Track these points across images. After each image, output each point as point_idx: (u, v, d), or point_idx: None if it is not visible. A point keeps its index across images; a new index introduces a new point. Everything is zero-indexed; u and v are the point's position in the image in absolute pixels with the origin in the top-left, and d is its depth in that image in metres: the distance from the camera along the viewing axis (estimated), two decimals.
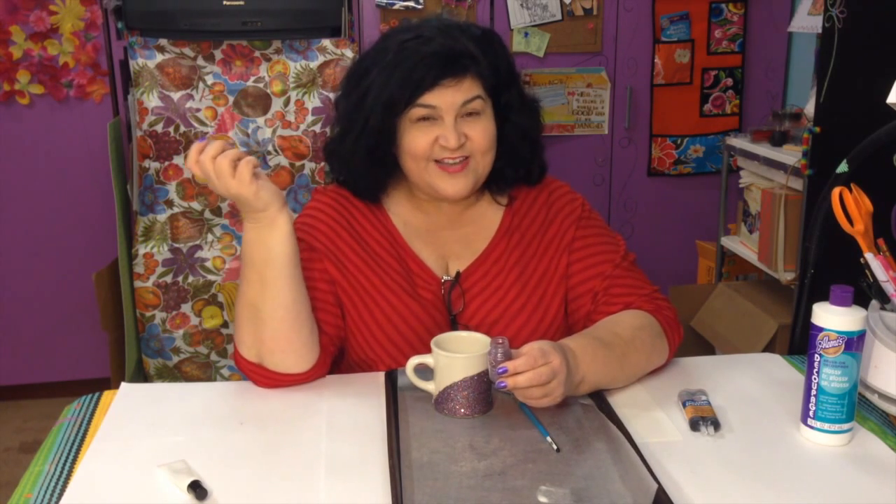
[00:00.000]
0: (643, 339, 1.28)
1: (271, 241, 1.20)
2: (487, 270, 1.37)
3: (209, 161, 1.16)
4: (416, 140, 1.28)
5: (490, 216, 1.41)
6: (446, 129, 1.27)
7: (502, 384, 1.10)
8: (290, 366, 1.25)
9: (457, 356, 1.16)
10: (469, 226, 1.40)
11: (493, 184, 1.39)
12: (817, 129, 2.31)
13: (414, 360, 1.20)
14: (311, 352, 1.26)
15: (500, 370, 1.09)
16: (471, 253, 1.39)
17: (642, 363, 1.28)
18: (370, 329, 1.33)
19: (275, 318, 1.22)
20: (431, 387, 1.19)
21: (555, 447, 1.07)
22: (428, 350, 1.19)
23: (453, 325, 1.35)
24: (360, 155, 1.33)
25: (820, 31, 2.35)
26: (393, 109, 1.27)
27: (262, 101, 2.67)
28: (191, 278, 2.72)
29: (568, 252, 1.38)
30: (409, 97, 1.25)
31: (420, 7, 3.13)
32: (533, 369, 1.09)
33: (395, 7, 3.12)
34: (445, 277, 1.37)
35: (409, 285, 1.35)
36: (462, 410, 1.16)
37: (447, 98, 1.26)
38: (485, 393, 1.17)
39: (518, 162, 1.37)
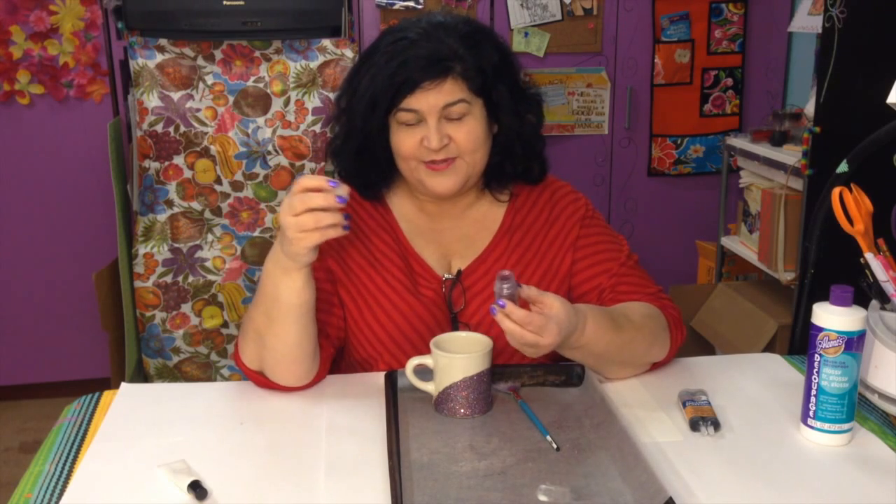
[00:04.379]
0: (651, 327, 1.29)
1: (281, 285, 1.18)
2: (489, 269, 1.37)
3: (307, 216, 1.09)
4: (403, 142, 1.29)
5: (492, 215, 1.41)
6: (429, 131, 1.27)
7: (493, 311, 1.11)
8: (289, 382, 1.26)
9: (456, 356, 1.16)
10: (471, 225, 1.40)
11: (493, 181, 1.40)
12: (817, 129, 2.31)
13: (413, 361, 1.20)
14: (311, 371, 1.26)
15: (500, 303, 1.10)
16: (472, 252, 1.39)
17: (642, 352, 1.29)
18: (371, 327, 1.33)
19: (276, 351, 1.22)
20: (431, 387, 1.19)
21: (554, 446, 1.08)
22: (428, 349, 1.20)
23: (454, 323, 1.35)
24: (350, 154, 1.35)
25: (820, 31, 2.35)
26: (375, 111, 1.28)
27: (262, 101, 2.67)
28: (191, 278, 2.73)
29: (572, 251, 1.38)
30: (390, 100, 1.26)
31: (420, 7, 3.13)
32: (521, 327, 1.09)
33: (395, 7, 3.12)
34: (447, 276, 1.37)
35: (411, 283, 1.35)
36: (462, 411, 1.16)
37: (429, 100, 1.26)
38: (485, 393, 1.17)
39: (514, 159, 1.37)
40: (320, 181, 1.11)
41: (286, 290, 1.18)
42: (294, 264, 1.16)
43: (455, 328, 1.34)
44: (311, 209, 1.10)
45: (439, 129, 1.27)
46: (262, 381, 1.26)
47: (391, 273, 1.35)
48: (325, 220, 1.10)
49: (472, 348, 1.17)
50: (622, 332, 1.23)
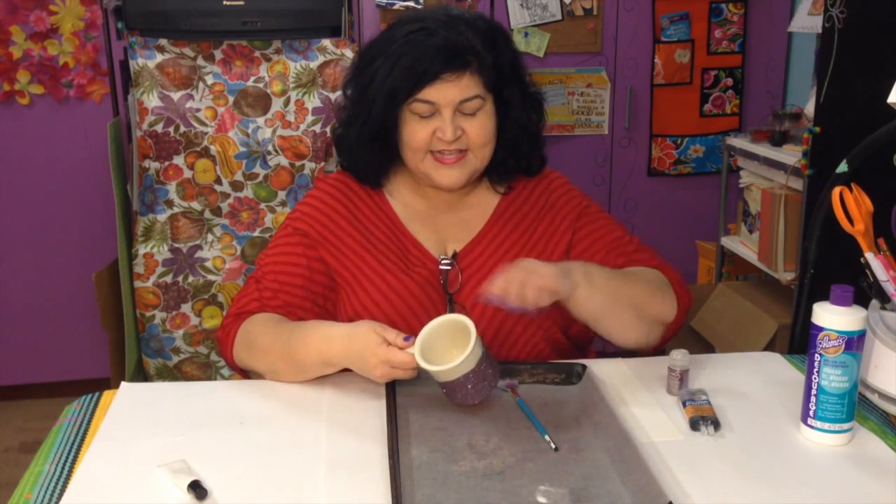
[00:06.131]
0: (644, 276, 1.33)
1: (316, 367, 1.26)
2: (483, 250, 1.39)
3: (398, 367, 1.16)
4: (416, 133, 1.30)
5: (488, 201, 1.44)
6: (444, 123, 1.29)
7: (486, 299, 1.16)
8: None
9: (444, 368, 1.12)
10: (467, 210, 1.43)
11: (493, 172, 1.41)
12: (817, 129, 2.31)
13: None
14: None
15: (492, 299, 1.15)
16: (468, 235, 1.41)
17: (645, 292, 1.30)
18: (366, 308, 1.34)
19: (284, 379, 1.29)
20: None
21: (553, 446, 1.07)
22: (423, 328, 1.17)
23: (450, 304, 1.36)
24: (364, 142, 1.36)
25: (820, 31, 2.35)
26: (394, 100, 1.29)
27: (262, 101, 2.66)
28: (191, 278, 2.72)
29: (571, 234, 1.41)
30: (409, 89, 1.27)
31: (420, 6, 3.13)
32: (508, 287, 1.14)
33: (395, 7, 3.12)
34: (442, 257, 1.37)
35: (405, 264, 1.37)
36: (471, 400, 1.15)
37: (447, 93, 1.27)
38: (488, 377, 1.14)
39: (518, 154, 1.40)
40: (408, 373, 1.16)
41: (316, 370, 1.26)
42: (340, 367, 1.24)
43: (451, 309, 1.35)
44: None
45: (454, 121, 1.29)
46: (247, 376, 1.35)
47: (385, 255, 1.36)
48: (396, 376, 1.17)
49: (458, 341, 1.14)
50: (618, 275, 1.29)
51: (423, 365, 1.13)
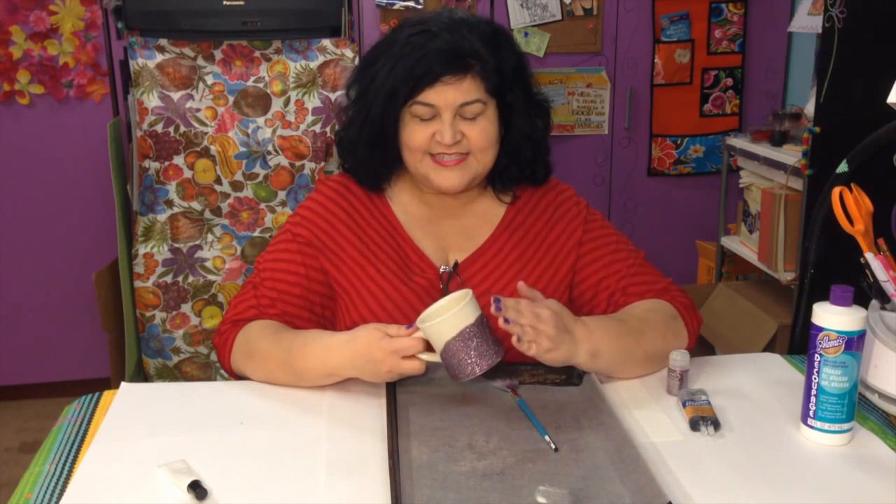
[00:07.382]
0: (656, 319, 1.30)
1: (315, 377, 1.25)
2: (487, 262, 1.38)
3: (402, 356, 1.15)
4: (415, 134, 1.29)
5: (493, 211, 1.42)
6: (443, 126, 1.28)
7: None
8: None
9: (443, 317, 1.11)
10: (471, 218, 1.41)
11: (497, 181, 1.40)
12: (817, 129, 2.31)
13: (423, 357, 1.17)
14: None
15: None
16: (471, 245, 1.40)
17: (658, 341, 1.29)
18: (364, 318, 1.33)
19: (282, 384, 1.29)
20: (437, 358, 1.15)
21: (553, 447, 1.08)
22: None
23: None
24: (363, 143, 1.35)
25: (820, 31, 2.35)
26: (393, 102, 1.28)
27: (262, 101, 2.66)
28: (191, 278, 2.72)
29: (576, 252, 1.39)
30: (409, 91, 1.27)
31: (420, 7, 3.13)
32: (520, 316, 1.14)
33: (396, 7, 3.12)
34: (444, 267, 1.37)
35: (404, 273, 1.36)
36: (478, 367, 1.12)
37: (447, 96, 1.26)
38: (491, 344, 1.13)
39: (521, 162, 1.38)
40: (416, 364, 1.15)
41: (316, 381, 1.26)
42: (343, 377, 1.24)
43: None
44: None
45: (453, 125, 1.28)
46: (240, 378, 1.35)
47: (384, 263, 1.36)
48: (404, 369, 1.16)
49: (454, 306, 1.13)
50: (627, 323, 1.27)
51: (426, 325, 1.12)
